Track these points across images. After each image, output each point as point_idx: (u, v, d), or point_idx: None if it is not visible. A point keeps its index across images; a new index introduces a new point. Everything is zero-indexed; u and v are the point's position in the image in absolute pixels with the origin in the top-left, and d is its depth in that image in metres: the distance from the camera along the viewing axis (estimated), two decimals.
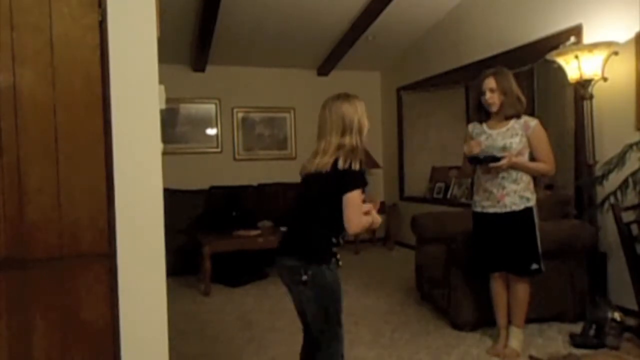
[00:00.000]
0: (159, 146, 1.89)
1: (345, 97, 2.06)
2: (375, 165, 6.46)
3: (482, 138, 2.77)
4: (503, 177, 2.68)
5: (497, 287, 2.84)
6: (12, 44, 1.71)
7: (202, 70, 5.97)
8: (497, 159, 2.61)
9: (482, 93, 2.74)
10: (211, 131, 6.13)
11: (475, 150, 2.69)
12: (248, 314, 3.72)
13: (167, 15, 3.02)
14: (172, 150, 5.69)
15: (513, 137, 2.70)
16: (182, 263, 4.78)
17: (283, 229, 2.84)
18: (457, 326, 3.18)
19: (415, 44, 5.93)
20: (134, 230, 1.84)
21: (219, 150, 6.15)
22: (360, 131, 2.03)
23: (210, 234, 4.68)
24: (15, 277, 1.74)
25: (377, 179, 6.80)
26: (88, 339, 1.81)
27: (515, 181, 2.68)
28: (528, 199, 2.70)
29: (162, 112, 1.91)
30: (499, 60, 4.51)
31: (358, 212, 1.87)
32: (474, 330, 3.13)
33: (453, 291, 3.20)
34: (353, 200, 1.85)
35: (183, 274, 4.81)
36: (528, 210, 2.69)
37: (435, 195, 5.82)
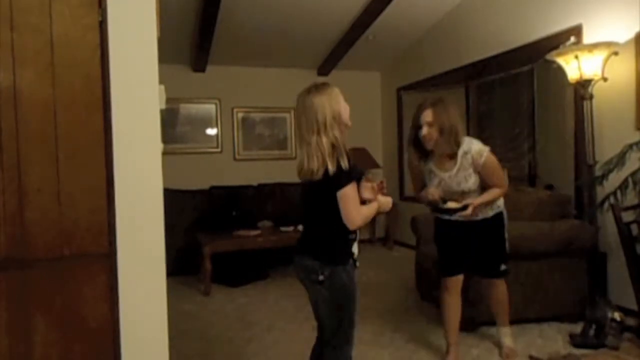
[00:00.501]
0: (159, 146, 1.89)
1: (315, 88, 1.93)
2: (375, 165, 6.47)
3: (435, 181, 2.59)
4: (465, 192, 2.56)
5: (452, 299, 2.70)
6: (12, 44, 1.71)
7: (202, 70, 5.97)
8: (462, 209, 2.48)
9: (419, 127, 2.50)
10: (211, 131, 6.13)
11: (436, 197, 2.53)
12: (248, 314, 3.72)
13: (167, 15, 3.02)
14: (172, 150, 5.69)
15: (467, 180, 2.52)
16: (182, 263, 4.78)
17: (300, 227, 2.87)
18: None
19: (415, 44, 5.93)
20: (134, 230, 1.84)
21: (219, 150, 6.15)
22: (337, 122, 1.88)
23: (210, 234, 4.68)
24: (15, 277, 1.75)
25: (377, 179, 6.79)
26: (88, 338, 1.81)
27: (480, 195, 2.57)
28: (498, 206, 2.66)
29: (162, 112, 1.91)
30: (499, 60, 4.52)
31: (354, 205, 1.82)
32: (474, 330, 3.13)
33: None
34: (346, 195, 1.80)
35: (183, 274, 4.81)
36: (498, 215, 2.66)
37: None
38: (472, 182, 2.53)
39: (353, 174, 1.83)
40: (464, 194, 2.55)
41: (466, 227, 2.63)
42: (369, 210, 1.90)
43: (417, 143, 2.56)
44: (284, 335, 3.22)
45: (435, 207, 2.58)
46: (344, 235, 1.88)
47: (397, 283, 4.46)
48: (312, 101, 1.88)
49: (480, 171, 2.51)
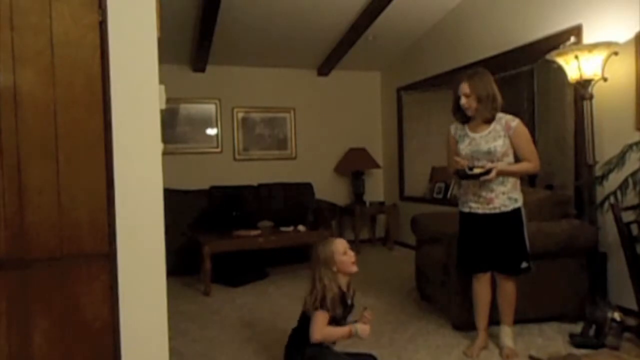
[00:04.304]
0: (159, 146, 1.90)
1: (326, 240, 2.52)
2: (375, 165, 6.47)
3: (466, 142, 2.78)
4: (491, 182, 2.68)
5: (482, 289, 2.83)
6: (12, 45, 1.71)
7: (202, 70, 5.97)
8: (485, 173, 2.61)
9: (458, 97, 2.75)
10: (211, 131, 6.12)
11: (463, 163, 2.69)
12: (248, 314, 3.72)
13: (167, 15, 3.02)
14: (172, 150, 5.69)
15: (496, 140, 2.69)
16: (182, 263, 4.78)
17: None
18: (457, 326, 3.18)
19: (415, 44, 5.93)
20: (134, 230, 1.84)
21: (219, 150, 6.15)
22: (328, 266, 2.41)
23: (210, 234, 4.68)
24: (15, 277, 1.75)
25: (377, 178, 6.81)
26: (88, 338, 1.82)
27: (502, 183, 2.69)
28: (516, 200, 2.73)
29: (162, 112, 1.91)
30: (499, 60, 4.51)
31: (319, 328, 2.35)
32: (474, 330, 3.12)
33: (453, 291, 3.20)
34: (316, 317, 2.36)
35: (183, 274, 4.80)
36: (517, 210, 2.72)
37: (435, 195, 5.82)
38: (500, 144, 2.68)
39: (326, 308, 2.35)
40: (489, 154, 2.68)
41: (486, 222, 2.73)
42: (331, 335, 2.42)
43: (459, 109, 2.80)
44: (284, 335, 3.21)
45: (463, 173, 2.68)
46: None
47: (397, 283, 4.46)
48: (320, 249, 2.48)
49: (511, 136, 2.69)
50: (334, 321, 2.43)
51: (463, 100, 2.71)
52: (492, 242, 2.74)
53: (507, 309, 2.82)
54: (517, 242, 2.72)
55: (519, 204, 2.74)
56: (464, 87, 2.70)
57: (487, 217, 2.73)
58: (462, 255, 2.89)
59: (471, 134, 2.78)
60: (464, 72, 2.79)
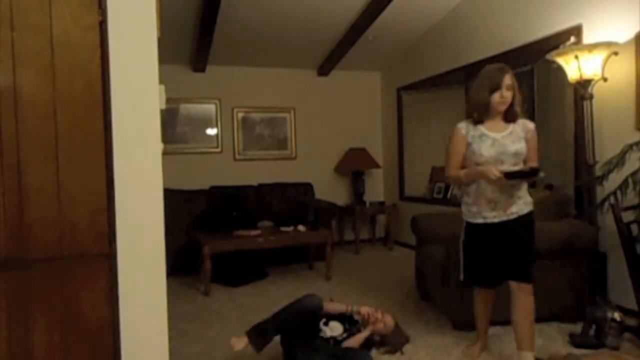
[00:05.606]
0: (159, 146, 1.90)
1: None
2: (375, 165, 6.47)
3: (487, 143, 2.52)
4: (512, 186, 2.49)
5: (487, 300, 2.76)
6: (12, 45, 1.71)
7: (202, 70, 5.97)
8: (536, 172, 2.41)
9: (497, 89, 2.48)
10: (211, 131, 6.12)
11: (496, 172, 2.38)
12: (248, 314, 3.72)
13: (167, 15, 3.02)
14: (172, 150, 5.69)
15: (520, 141, 2.53)
16: (182, 263, 4.78)
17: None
18: (457, 326, 3.18)
19: (415, 44, 5.93)
20: (134, 230, 1.84)
21: (219, 150, 6.15)
22: None
23: (210, 234, 4.68)
24: (15, 277, 1.75)
25: (377, 178, 6.81)
26: (88, 338, 1.82)
27: (519, 188, 2.53)
28: (529, 203, 2.58)
29: (162, 112, 1.91)
30: (499, 60, 4.50)
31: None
32: (474, 330, 3.12)
33: (453, 291, 3.20)
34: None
35: (183, 274, 4.80)
36: (531, 213, 2.57)
37: (435, 195, 5.82)
38: (523, 145, 2.53)
39: None
40: (517, 156, 2.51)
41: (502, 230, 2.53)
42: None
43: (484, 106, 2.55)
44: None
45: (509, 174, 2.40)
46: None
47: (397, 283, 4.46)
48: None
49: (529, 139, 2.55)
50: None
51: (505, 93, 2.47)
52: (507, 251, 2.54)
53: (529, 330, 2.53)
54: (530, 245, 2.56)
55: (532, 206, 2.58)
56: (508, 79, 2.47)
57: (504, 225, 2.52)
58: (471, 269, 2.69)
59: (492, 134, 2.54)
60: (495, 65, 2.58)
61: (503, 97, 2.48)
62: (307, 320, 2.75)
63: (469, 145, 2.58)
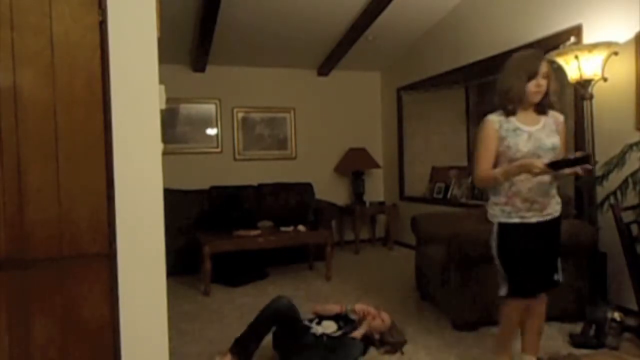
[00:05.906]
0: (159, 146, 1.89)
1: None
2: (375, 165, 6.47)
3: (523, 137, 2.27)
4: (550, 184, 2.31)
5: (520, 311, 2.42)
6: (12, 44, 1.71)
7: (202, 70, 5.97)
8: (587, 159, 2.14)
9: (533, 77, 2.25)
10: (211, 131, 6.12)
11: (537, 164, 2.13)
12: (248, 314, 3.71)
13: (167, 15, 3.02)
14: (172, 150, 5.69)
15: (554, 134, 2.32)
16: (182, 263, 4.78)
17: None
18: (457, 326, 3.18)
19: (415, 44, 5.93)
20: (134, 230, 1.84)
21: (219, 150, 6.15)
22: None
23: (210, 234, 4.68)
24: (15, 277, 1.75)
25: (377, 178, 6.81)
26: (88, 338, 1.82)
27: (553, 186, 2.36)
28: (560, 203, 2.40)
29: (162, 112, 1.91)
30: (499, 60, 4.49)
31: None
32: (474, 330, 3.13)
33: (453, 291, 3.20)
34: None
35: (183, 274, 4.80)
36: (561, 215, 2.41)
37: (435, 195, 5.82)
38: (558, 139, 2.32)
39: None
40: (554, 150, 2.28)
41: (539, 231, 2.31)
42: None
43: (517, 97, 2.30)
44: None
45: (555, 164, 2.11)
46: None
47: (397, 283, 4.46)
48: None
49: (560, 132, 2.35)
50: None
51: (541, 81, 2.25)
52: (545, 255, 2.36)
53: (538, 335, 2.49)
54: (559, 249, 2.40)
55: (561, 207, 2.41)
56: (545, 66, 2.25)
57: (540, 226, 2.30)
58: (518, 277, 2.33)
59: (526, 128, 2.29)
60: (529, 51, 2.41)
61: (539, 85, 2.26)
62: (285, 320, 2.79)
63: (502, 139, 2.30)
